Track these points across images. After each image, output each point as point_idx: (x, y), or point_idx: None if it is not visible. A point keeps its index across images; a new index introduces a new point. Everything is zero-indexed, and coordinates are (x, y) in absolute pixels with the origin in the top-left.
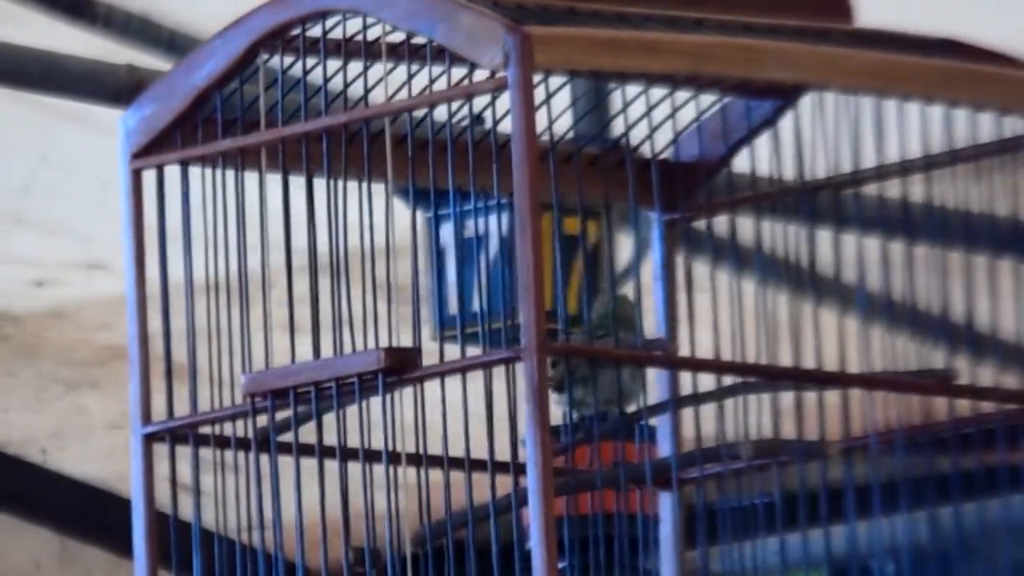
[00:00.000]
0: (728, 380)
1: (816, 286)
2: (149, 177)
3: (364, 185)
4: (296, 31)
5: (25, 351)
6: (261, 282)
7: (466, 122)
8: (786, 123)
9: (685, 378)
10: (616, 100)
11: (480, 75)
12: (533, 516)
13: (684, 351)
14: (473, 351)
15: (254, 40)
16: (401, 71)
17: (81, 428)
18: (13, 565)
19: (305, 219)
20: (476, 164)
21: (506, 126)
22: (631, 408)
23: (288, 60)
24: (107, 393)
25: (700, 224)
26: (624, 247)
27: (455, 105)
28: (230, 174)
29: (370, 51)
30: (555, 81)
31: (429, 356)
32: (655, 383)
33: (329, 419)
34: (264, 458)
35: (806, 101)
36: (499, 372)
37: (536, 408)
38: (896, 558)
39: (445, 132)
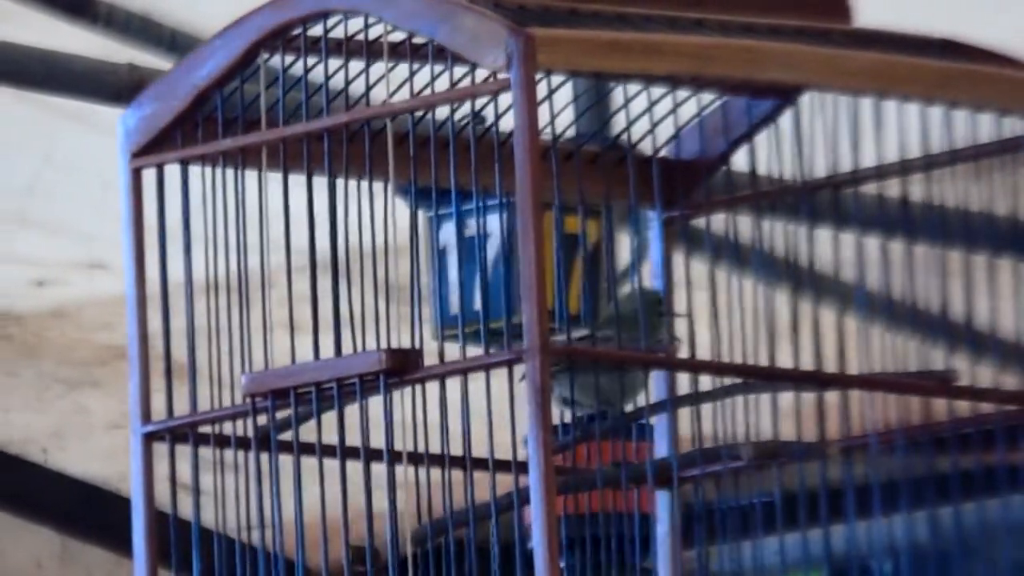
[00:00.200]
0: (727, 379)
1: (815, 285)
2: (149, 176)
3: (364, 184)
4: (297, 31)
5: (26, 351)
6: (261, 282)
7: (466, 120)
8: (785, 122)
9: (683, 376)
10: (614, 98)
11: (480, 75)
12: (535, 516)
13: (684, 349)
14: (473, 350)
15: (255, 40)
16: (402, 70)
17: (82, 428)
18: (14, 564)
19: (304, 218)
20: (477, 163)
21: (505, 124)
22: (630, 407)
23: (289, 59)
24: (108, 393)
25: (699, 223)
26: (623, 246)
27: (456, 105)
28: (230, 173)
29: (371, 50)
30: (555, 79)
31: (429, 355)
32: (653, 382)
33: (328, 418)
34: (264, 457)
35: (805, 99)
36: (500, 371)
37: (538, 409)
38: (896, 558)
39: (446, 131)
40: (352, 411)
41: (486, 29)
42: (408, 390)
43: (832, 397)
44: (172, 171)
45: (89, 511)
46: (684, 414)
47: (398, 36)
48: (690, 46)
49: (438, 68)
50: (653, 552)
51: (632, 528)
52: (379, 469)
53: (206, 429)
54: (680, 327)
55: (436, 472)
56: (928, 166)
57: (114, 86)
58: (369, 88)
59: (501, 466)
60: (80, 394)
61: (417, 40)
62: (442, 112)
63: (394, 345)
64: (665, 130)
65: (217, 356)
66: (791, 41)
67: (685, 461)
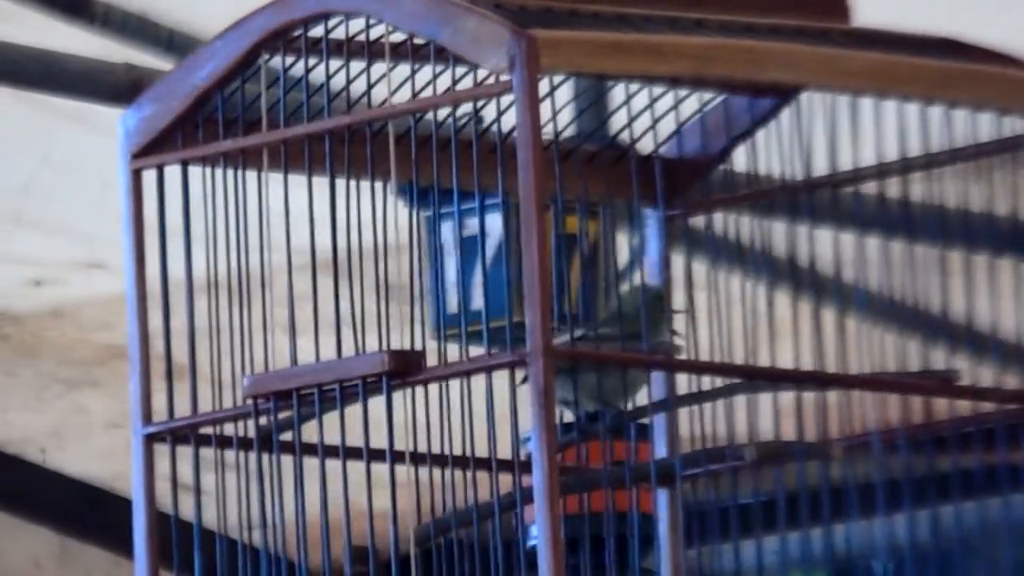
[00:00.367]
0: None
1: (816, 284)
2: (148, 177)
3: (360, 185)
4: (298, 32)
5: (25, 350)
6: (261, 282)
7: (464, 120)
8: (784, 121)
9: (683, 376)
10: (612, 97)
11: (481, 75)
12: (539, 517)
13: (685, 350)
14: (472, 350)
15: (255, 41)
16: (403, 71)
17: (81, 427)
18: (12, 564)
19: (304, 218)
20: (477, 163)
21: (503, 122)
22: (630, 406)
23: (289, 60)
24: (107, 392)
25: (698, 222)
26: (621, 246)
27: (459, 108)
28: (230, 174)
29: (371, 51)
30: (555, 79)
31: (429, 355)
32: (653, 381)
33: (329, 417)
34: (265, 458)
35: (803, 98)
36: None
37: (541, 411)
38: (897, 557)
39: (445, 131)
40: (352, 411)
41: (488, 31)
42: (408, 390)
43: (833, 397)
44: (172, 172)
45: (88, 511)
46: (684, 414)
47: (399, 37)
48: (691, 47)
49: (439, 69)
50: (654, 552)
51: (632, 528)
52: (379, 470)
53: (207, 430)
54: (681, 327)
55: (436, 472)
56: (928, 165)
57: (112, 86)
58: (370, 87)
59: (502, 466)
60: (79, 394)
61: (418, 41)
62: (442, 112)
63: (394, 345)
64: (663, 129)
65: (218, 357)
66: (791, 41)
67: (688, 461)
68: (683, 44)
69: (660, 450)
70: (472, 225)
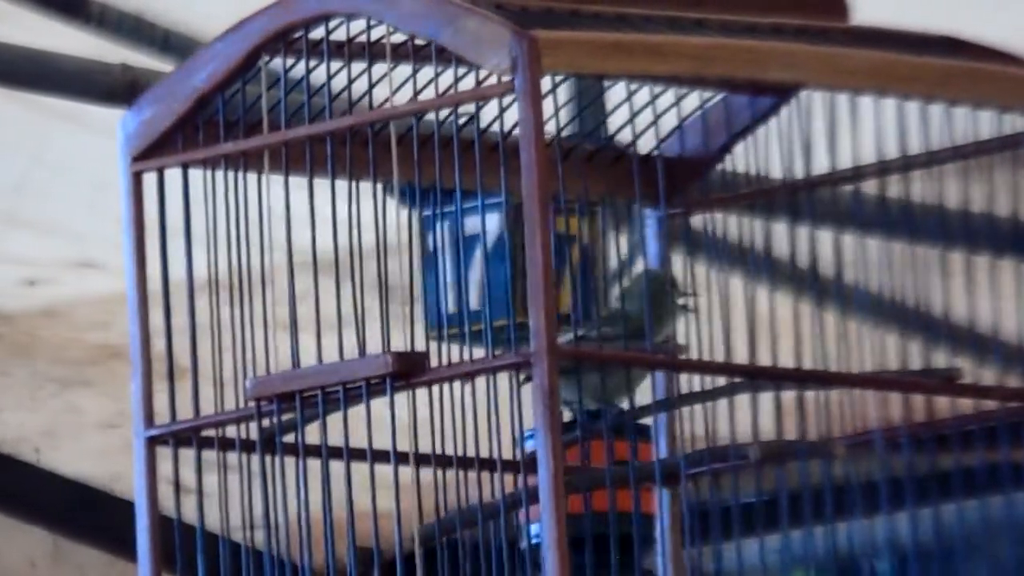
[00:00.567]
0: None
1: (816, 284)
2: (148, 178)
3: (358, 185)
4: (299, 34)
5: (18, 350)
6: (262, 283)
7: (462, 120)
8: (783, 119)
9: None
10: (609, 97)
11: (480, 76)
12: (545, 517)
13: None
14: (466, 350)
15: (256, 43)
16: (403, 73)
17: (75, 427)
18: (7, 564)
19: (301, 220)
20: (474, 163)
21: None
22: (633, 403)
23: (290, 62)
24: (101, 392)
25: (698, 222)
26: (616, 246)
27: (460, 108)
28: (231, 176)
29: (372, 53)
30: (554, 79)
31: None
32: (655, 380)
33: (330, 418)
34: (265, 460)
35: (804, 96)
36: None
37: (546, 411)
38: (900, 556)
39: (445, 132)
40: (353, 412)
41: (490, 32)
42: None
43: (835, 396)
44: (171, 174)
45: (82, 511)
46: (685, 413)
47: (400, 38)
48: (692, 47)
49: (440, 70)
50: (652, 552)
51: (630, 527)
52: (382, 471)
53: (209, 432)
54: (683, 327)
55: (439, 473)
56: (929, 163)
57: (107, 86)
58: (371, 86)
59: (505, 466)
60: (72, 393)
61: (419, 42)
62: (443, 113)
63: (393, 345)
64: (661, 128)
65: (219, 358)
66: (791, 40)
67: (692, 460)
68: (684, 44)
69: (662, 450)
70: (468, 225)
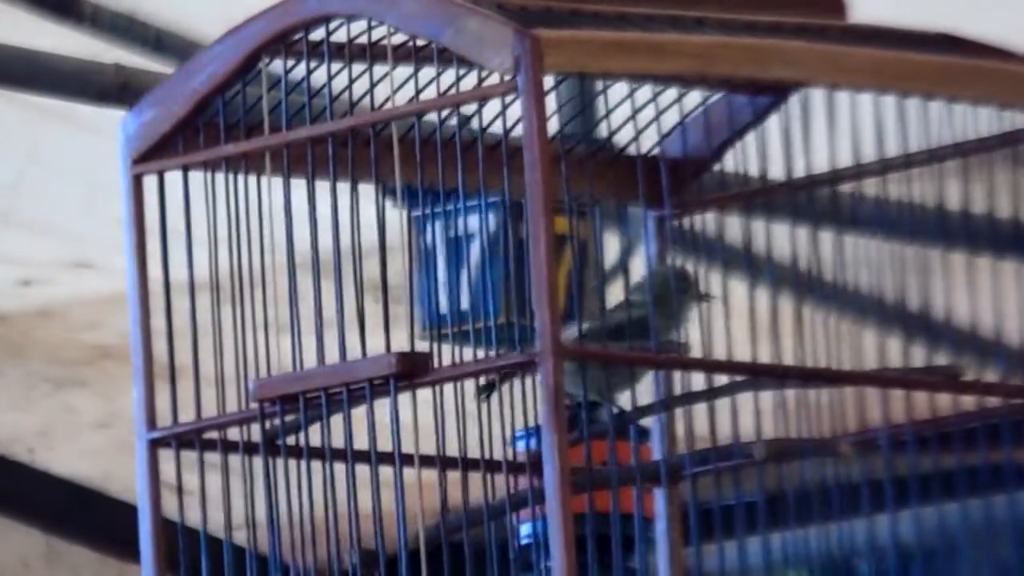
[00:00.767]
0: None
1: (817, 285)
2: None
3: (354, 186)
4: (299, 35)
5: (13, 350)
6: (263, 284)
7: (467, 119)
8: (783, 119)
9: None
10: (604, 97)
11: (474, 78)
12: (551, 517)
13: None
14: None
15: (256, 45)
16: (404, 74)
17: (69, 427)
18: (0, 564)
19: (301, 221)
20: (473, 163)
21: (499, 126)
22: (635, 400)
23: (290, 63)
24: (95, 392)
25: (699, 222)
26: (612, 247)
27: (454, 109)
28: (231, 178)
29: (373, 53)
30: (553, 79)
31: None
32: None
33: (332, 420)
34: (265, 462)
35: (804, 96)
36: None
37: (552, 410)
38: (903, 555)
39: (445, 132)
40: (354, 413)
41: (492, 31)
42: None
43: (827, 395)
44: (172, 176)
45: (75, 511)
46: (685, 413)
47: (401, 39)
48: (694, 45)
49: (441, 70)
50: (639, 552)
51: (630, 527)
52: (385, 471)
53: (211, 434)
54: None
55: (434, 473)
56: (929, 160)
57: (100, 86)
58: (373, 86)
59: (502, 466)
60: (67, 394)
61: (420, 42)
62: (443, 113)
63: (394, 346)
64: (656, 130)
65: (221, 360)
66: (791, 38)
67: (697, 459)
68: (686, 43)
69: (662, 449)
70: (461, 225)
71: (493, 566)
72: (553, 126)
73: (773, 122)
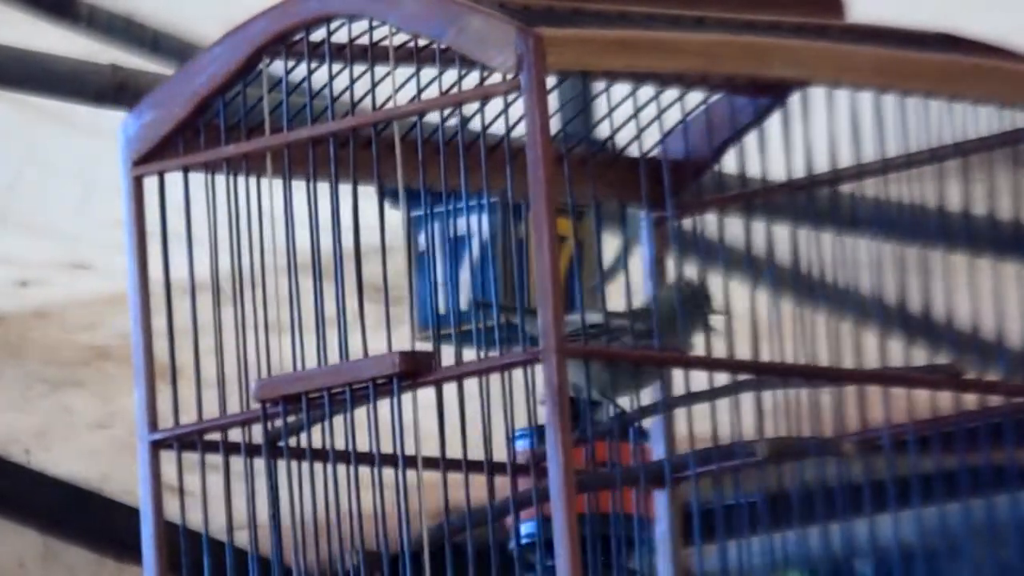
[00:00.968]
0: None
1: (817, 285)
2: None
3: (349, 186)
4: (300, 36)
5: (10, 351)
6: (263, 285)
7: (457, 120)
8: (783, 119)
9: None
10: (599, 100)
11: (475, 78)
12: (555, 516)
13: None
14: (465, 351)
15: (257, 46)
16: (405, 74)
17: (65, 428)
18: None
19: (301, 221)
20: (476, 164)
21: (500, 127)
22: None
23: (291, 64)
24: (92, 393)
25: (699, 223)
26: (610, 247)
27: (456, 108)
28: (231, 178)
29: (374, 54)
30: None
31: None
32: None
33: (334, 421)
34: (265, 462)
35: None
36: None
37: (556, 408)
38: (905, 556)
39: (447, 132)
40: (356, 414)
41: (494, 30)
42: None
43: (826, 396)
44: (172, 177)
45: (72, 511)
46: (684, 412)
47: (402, 38)
48: (697, 43)
49: (443, 69)
50: (638, 552)
51: (628, 528)
52: (387, 471)
53: (212, 436)
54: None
55: (436, 474)
56: (931, 159)
57: (97, 87)
58: (374, 85)
59: (500, 467)
60: (63, 394)
61: (421, 42)
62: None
63: (385, 347)
64: (653, 132)
65: (221, 361)
66: (792, 37)
67: (700, 458)
68: (689, 41)
69: (662, 449)
70: (462, 226)
71: (494, 567)
72: (553, 127)
73: (773, 122)
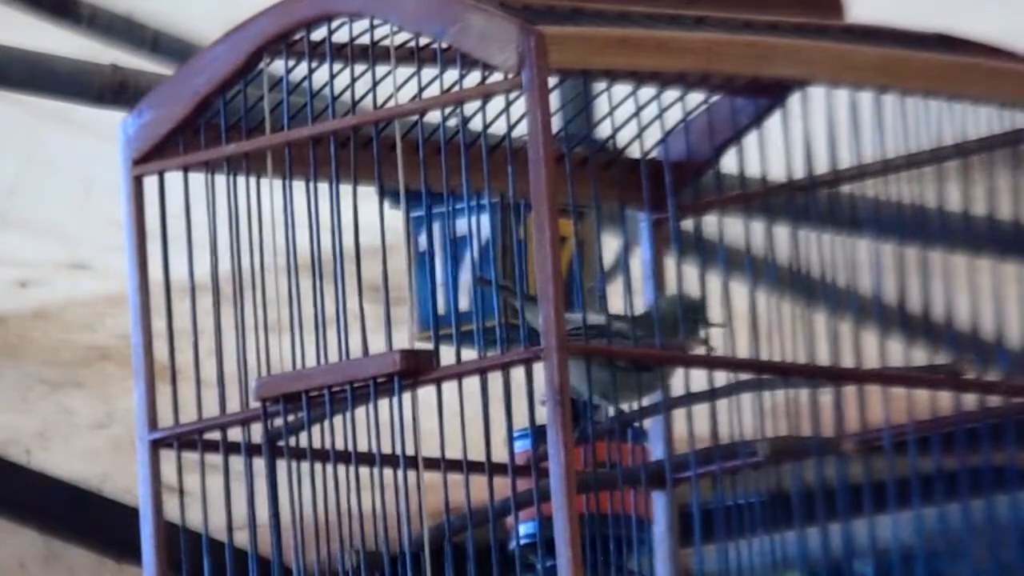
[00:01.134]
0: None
1: (818, 285)
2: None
3: (349, 186)
4: (300, 35)
5: (9, 351)
6: (262, 285)
7: (457, 121)
8: (784, 119)
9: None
10: (598, 102)
11: (476, 77)
12: (556, 517)
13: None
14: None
15: (257, 45)
16: (406, 73)
17: (65, 428)
18: None
19: (301, 221)
20: (486, 162)
21: (500, 127)
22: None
23: (291, 63)
24: (91, 393)
25: (702, 224)
26: (611, 247)
27: (458, 106)
28: (231, 178)
29: (375, 53)
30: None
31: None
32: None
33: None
34: (266, 462)
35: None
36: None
37: (557, 407)
38: (905, 556)
39: (448, 132)
40: (356, 414)
41: (496, 28)
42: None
43: (825, 396)
44: (172, 177)
45: (72, 512)
46: (684, 412)
47: (403, 37)
48: (699, 42)
49: (446, 69)
50: (636, 553)
51: (626, 528)
52: (388, 471)
53: (212, 435)
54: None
55: (437, 474)
56: (931, 160)
57: (97, 87)
58: (375, 85)
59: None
60: (63, 395)
61: (422, 41)
62: (436, 116)
63: (384, 346)
64: (653, 132)
65: (221, 361)
66: (792, 37)
67: (702, 458)
68: (691, 40)
69: (661, 450)
70: (462, 226)
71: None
72: (554, 127)
73: (773, 122)
